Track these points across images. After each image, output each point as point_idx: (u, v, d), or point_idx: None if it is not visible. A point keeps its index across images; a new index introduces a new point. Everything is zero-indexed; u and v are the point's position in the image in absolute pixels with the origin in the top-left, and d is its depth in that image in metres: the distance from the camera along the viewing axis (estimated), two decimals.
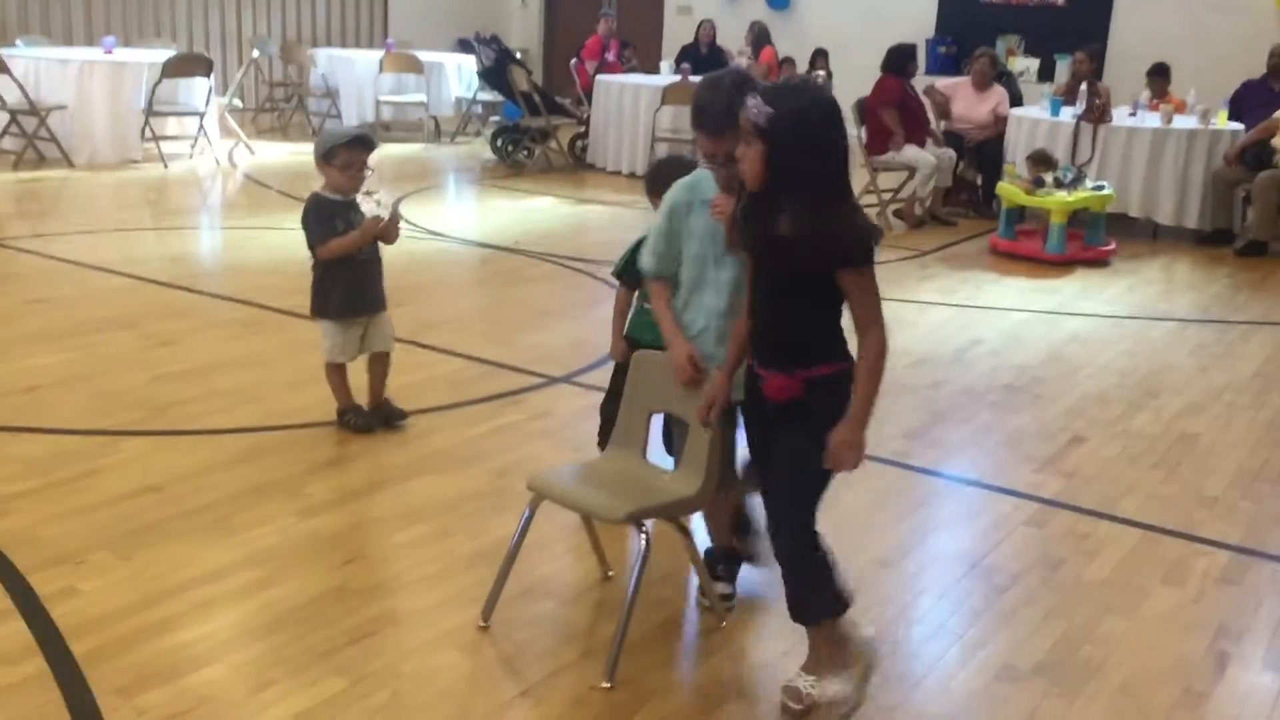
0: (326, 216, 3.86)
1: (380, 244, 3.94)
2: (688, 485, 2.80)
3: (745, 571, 3.12)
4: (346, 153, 3.79)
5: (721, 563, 3.06)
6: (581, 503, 2.82)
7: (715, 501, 2.99)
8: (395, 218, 3.90)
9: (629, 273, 3.21)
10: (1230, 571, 3.35)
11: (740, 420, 2.75)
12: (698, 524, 3.19)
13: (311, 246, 3.88)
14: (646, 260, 2.92)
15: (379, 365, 4.06)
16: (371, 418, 4.03)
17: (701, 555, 3.02)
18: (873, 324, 2.36)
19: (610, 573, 3.13)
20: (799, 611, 2.56)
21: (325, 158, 3.82)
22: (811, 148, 2.31)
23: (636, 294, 3.30)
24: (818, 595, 2.53)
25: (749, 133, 2.32)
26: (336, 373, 4.02)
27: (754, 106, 2.29)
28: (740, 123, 2.34)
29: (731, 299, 2.76)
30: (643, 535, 2.71)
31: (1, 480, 3.48)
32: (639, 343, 3.23)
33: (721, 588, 3.02)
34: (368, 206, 3.95)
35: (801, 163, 2.30)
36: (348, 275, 3.89)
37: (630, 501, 2.73)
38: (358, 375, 4.05)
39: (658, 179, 3.26)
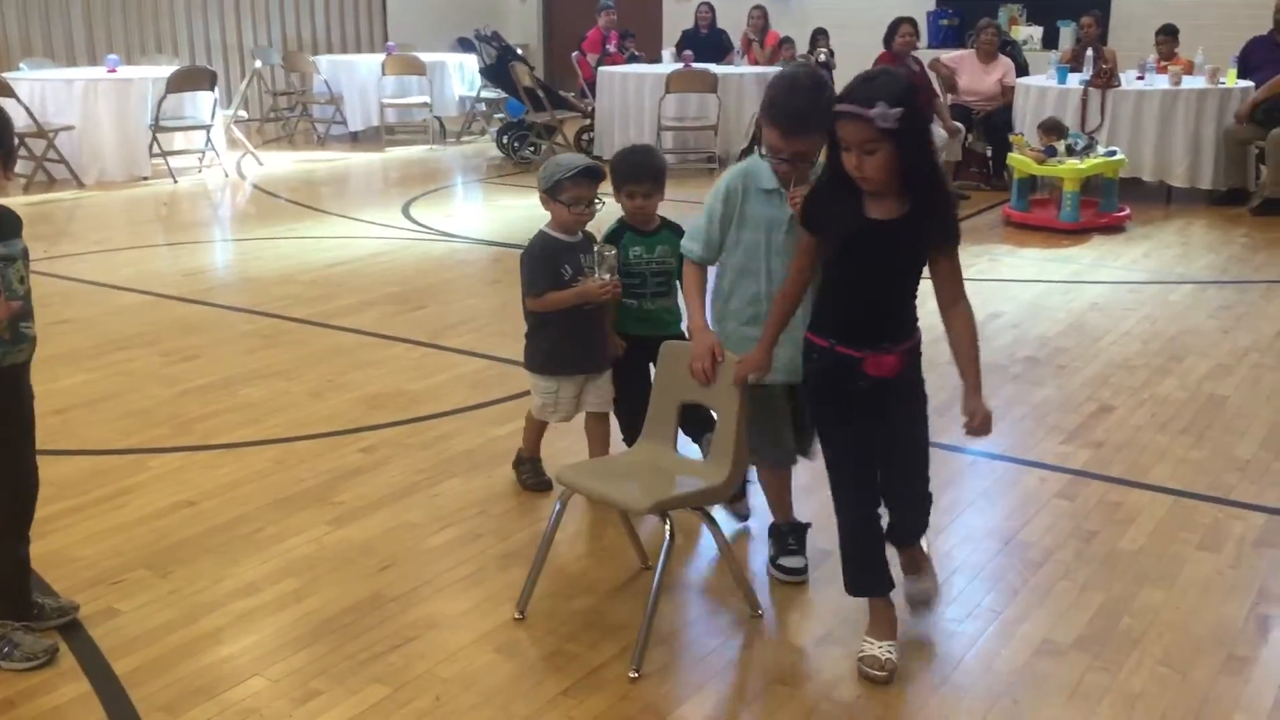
0: (552, 261, 3.33)
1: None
2: (714, 475, 2.81)
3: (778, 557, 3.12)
4: (574, 187, 3.31)
5: (791, 535, 3.12)
6: (607, 494, 2.82)
7: (783, 478, 3.12)
8: (616, 279, 3.31)
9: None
10: (1267, 534, 3.33)
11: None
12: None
13: (526, 295, 3.39)
14: (695, 246, 2.93)
15: (600, 428, 3.52)
16: (544, 477, 3.62)
17: (768, 532, 3.16)
18: (964, 294, 2.59)
19: (648, 565, 3.13)
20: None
21: (550, 193, 3.33)
22: (925, 139, 2.46)
23: (621, 290, 3.32)
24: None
25: (874, 138, 2.35)
26: (536, 427, 3.60)
27: (881, 113, 2.32)
28: (852, 131, 2.37)
29: (779, 287, 2.80)
30: (667, 526, 2.71)
31: (38, 503, 3.49)
32: (627, 336, 3.41)
33: (794, 561, 3.08)
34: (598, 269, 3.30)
35: (922, 156, 2.43)
36: (567, 326, 3.35)
37: (655, 492, 2.74)
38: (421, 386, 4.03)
39: (620, 170, 3.40)
